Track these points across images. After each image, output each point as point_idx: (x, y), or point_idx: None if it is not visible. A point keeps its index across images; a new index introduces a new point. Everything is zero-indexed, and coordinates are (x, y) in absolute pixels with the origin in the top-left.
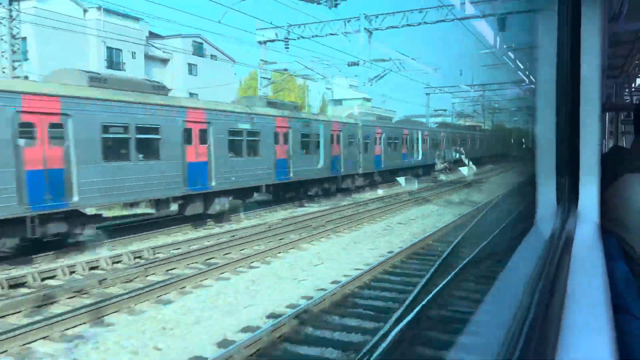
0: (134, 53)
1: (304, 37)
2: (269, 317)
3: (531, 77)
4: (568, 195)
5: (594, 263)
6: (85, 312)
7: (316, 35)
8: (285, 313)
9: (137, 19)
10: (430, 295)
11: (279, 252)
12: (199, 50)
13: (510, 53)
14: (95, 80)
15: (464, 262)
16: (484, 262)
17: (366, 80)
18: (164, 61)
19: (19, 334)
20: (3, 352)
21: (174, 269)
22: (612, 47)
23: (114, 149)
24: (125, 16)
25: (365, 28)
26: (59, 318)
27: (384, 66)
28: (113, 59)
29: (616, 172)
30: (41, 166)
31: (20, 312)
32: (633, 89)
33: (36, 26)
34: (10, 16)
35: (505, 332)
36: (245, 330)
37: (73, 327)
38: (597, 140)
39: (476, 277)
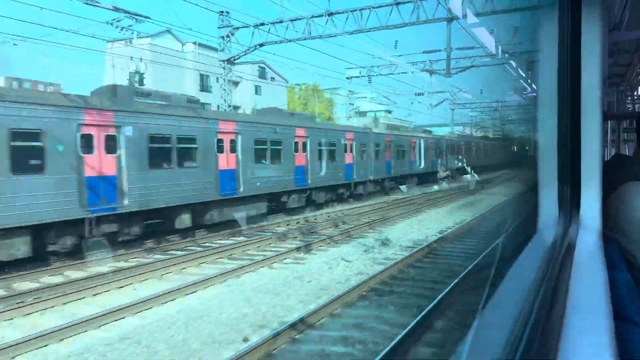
0: (218, 78)
1: (381, 75)
2: (441, 231)
3: (533, 86)
4: (570, 203)
5: (595, 270)
6: (367, 225)
7: (391, 73)
8: (447, 230)
9: (217, 50)
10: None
11: (412, 214)
12: (262, 74)
13: (512, 62)
14: (291, 116)
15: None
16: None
17: (429, 106)
18: (236, 83)
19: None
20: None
21: (363, 219)
22: (614, 56)
23: (323, 156)
24: (212, 48)
25: (428, 69)
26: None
27: (441, 96)
28: (204, 83)
29: (618, 180)
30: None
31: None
32: (635, 97)
33: (152, 56)
34: (140, 58)
35: (507, 337)
36: (440, 232)
37: (366, 230)
38: (598, 147)
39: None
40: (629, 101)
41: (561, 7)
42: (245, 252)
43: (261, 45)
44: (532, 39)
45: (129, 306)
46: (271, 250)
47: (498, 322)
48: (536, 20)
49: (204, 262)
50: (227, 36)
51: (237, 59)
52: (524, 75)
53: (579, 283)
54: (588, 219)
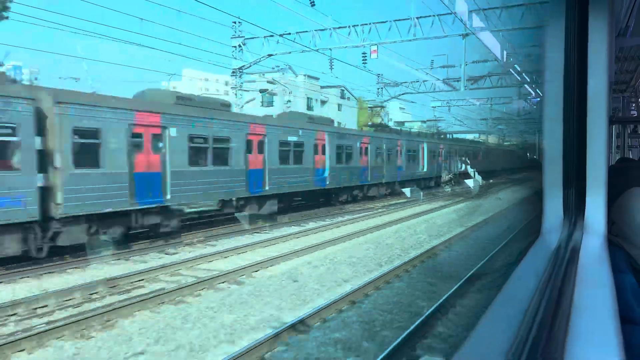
0: (316, 100)
1: (456, 105)
2: (519, 196)
3: (538, 91)
4: (574, 207)
5: (600, 274)
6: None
7: (463, 105)
8: (524, 195)
9: (317, 78)
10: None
11: (491, 193)
12: (342, 95)
13: (516, 65)
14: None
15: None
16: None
17: (485, 124)
18: (324, 102)
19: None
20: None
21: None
22: (619, 62)
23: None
24: (314, 78)
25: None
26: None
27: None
28: (309, 104)
29: (623, 184)
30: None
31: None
32: None
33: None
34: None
35: (512, 338)
36: (519, 196)
37: (485, 196)
38: (604, 152)
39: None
40: (633, 108)
41: (568, 13)
42: (435, 199)
43: (401, 94)
44: (538, 44)
45: (421, 212)
46: (446, 200)
47: (503, 322)
48: (543, 25)
49: (428, 202)
50: (379, 89)
51: (384, 102)
52: (539, 94)
53: (584, 286)
54: (593, 223)
